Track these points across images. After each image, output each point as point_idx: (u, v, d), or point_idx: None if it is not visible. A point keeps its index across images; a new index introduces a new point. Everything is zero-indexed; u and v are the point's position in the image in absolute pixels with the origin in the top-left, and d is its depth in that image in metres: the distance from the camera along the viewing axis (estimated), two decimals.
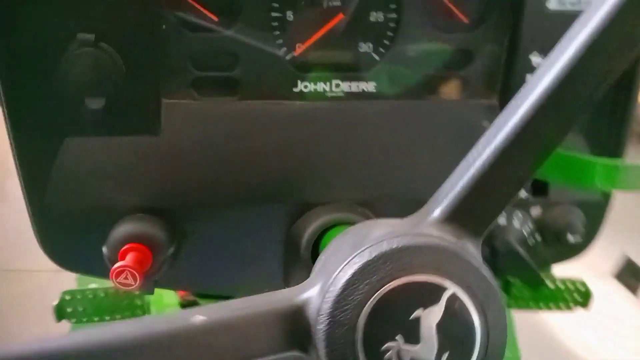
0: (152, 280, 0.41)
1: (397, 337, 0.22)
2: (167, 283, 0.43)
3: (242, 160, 0.40)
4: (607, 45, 0.23)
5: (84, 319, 0.87)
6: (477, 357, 0.23)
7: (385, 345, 0.22)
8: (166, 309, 1.03)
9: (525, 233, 0.42)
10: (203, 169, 0.40)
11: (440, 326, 0.22)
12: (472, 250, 0.25)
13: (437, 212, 0.25)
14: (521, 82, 0.40)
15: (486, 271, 0.24)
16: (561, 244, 0.43)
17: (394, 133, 0.41)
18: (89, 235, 0.40)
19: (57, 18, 0.35)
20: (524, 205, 0.42)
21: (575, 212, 0.43)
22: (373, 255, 0.22)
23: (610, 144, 0.42)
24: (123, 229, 0.39)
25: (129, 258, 0.37)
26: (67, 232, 0.41)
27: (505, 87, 0.41)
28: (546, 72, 0.23)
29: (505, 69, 0.41)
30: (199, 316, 0.22)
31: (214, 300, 0.68)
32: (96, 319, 0.88)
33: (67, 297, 0.85)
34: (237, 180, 0.40)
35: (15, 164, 0.40)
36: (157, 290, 1.09)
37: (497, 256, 0.41)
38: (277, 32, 0.40)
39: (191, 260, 0.42)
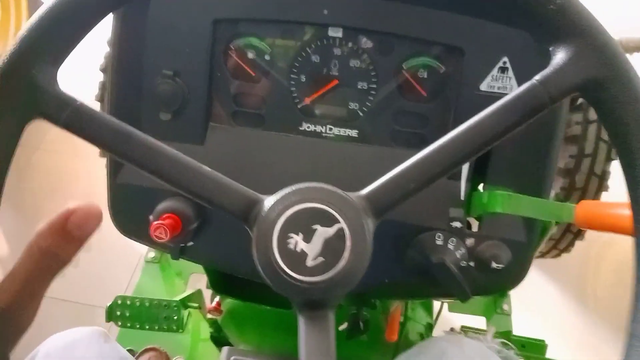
0: (178, 246, 0.58)
1: (299, 234, 0.35)
2: (190, 254, 0.59)
3: (256, 171, 0.57)
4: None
5: (128, 324, 1.03)
6: (338, 270, 0.34)
7: (290, 234, 0.35)
8: (199, 335, 1.16)
9: (458, 255, 0.55)
10: (227, 173, 0.57)
11: (326, 241, 0.35)
12: (369, 220, 0.36)
13: (364, 190, 0.38)
14: None
15: (368, 230, 0.36)
16: (488, 271, 0.55)
17: (365, 168, 0.56)
18: (142, 209, 0.57)
19: (151, 58, 0.55)
20: (460, 234, 0.55)
21: (501, 247, 0.55)
22: (301, 187, 0.36)
23: (534, 187, 0.54)
24: (165, 204, 0.56)
25: (166, 221, 0.54)
26: (128, 205, 0.59)
27: None
28: (443, 138, 0.37)
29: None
30: (208, 168, 0.37)
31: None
32: (137, 325, 1.03)
33: (119, 301, 1.01)
34: (247, 183, 0.56)
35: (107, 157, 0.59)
36: (194, 321, 1.23)
37: (432, 269, 0.54)
38: (293, 88, 0.58)
39: (209, 238, 0.58)
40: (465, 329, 0.94)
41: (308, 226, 0.35)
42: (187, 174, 0.37)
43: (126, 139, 0.36)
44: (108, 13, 0.38)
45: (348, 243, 0.35)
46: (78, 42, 0.37)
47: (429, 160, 0.37)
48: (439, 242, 0.55)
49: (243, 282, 0.75)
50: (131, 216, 0.59)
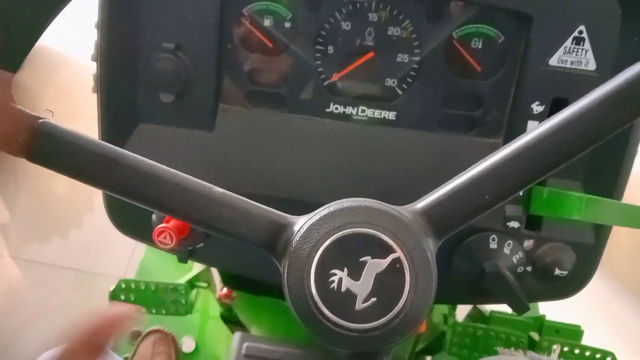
0: (186, 250, 0.50)
1: (344, 269, 0.28)
2: (200, 257, 0.51)
3: (274, 160, 0.48)
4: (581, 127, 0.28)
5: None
6: (396, 312, 0.27)
7: (333, 270, 0.27)
8: (208, 313, 1.11)
9: (514, 260, 0.47)
10: (241, 163, 0.48)
11: (379, 276, 0.27)
12: (430, 242, 0.29)
13: (420, 203, 0.30)
14: (523, 127, 0.46)
15: (431, 256, 0.28)
16: (549, 278, 0.47)
17: (404, 157, 0.48)
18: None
19: (149, 28, 0.46)
20: (517, 236, 0.47)
21: (565, 250, 0.47)
22: (341, 206, 0.29)
23: (607, 185, 0.46)
24: None
25: (171, 223, 0.46)
26: (127, 202, 0.50)
27: (509, 130, 0.47)
28: (530, 134, 0.29)
29: (510, 114, 0.47)
30: (220, 189, 0.29)
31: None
32: (143, 310, 0.96)
33: (123, 285, 0.94)
34: (265, 176, 0.48)
35: None
36: (202, 300, 1.17)
37: (485, 278, 0.46)
38: (319, 62, 0.48)
39: (222, 239, 0.49)
40: (495, 315, 0.88)
41: (354, 258, 0.28)
42: (193, 203, 0.29)
43: (110, 165, 0.28)
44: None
45: (407, 277, 0.28)
46: (38, 38, 0.28)
47: (515, 161, 0.29)
48: (493, 245, 0.47)
49: None
50: (131, 214, 0.50)
